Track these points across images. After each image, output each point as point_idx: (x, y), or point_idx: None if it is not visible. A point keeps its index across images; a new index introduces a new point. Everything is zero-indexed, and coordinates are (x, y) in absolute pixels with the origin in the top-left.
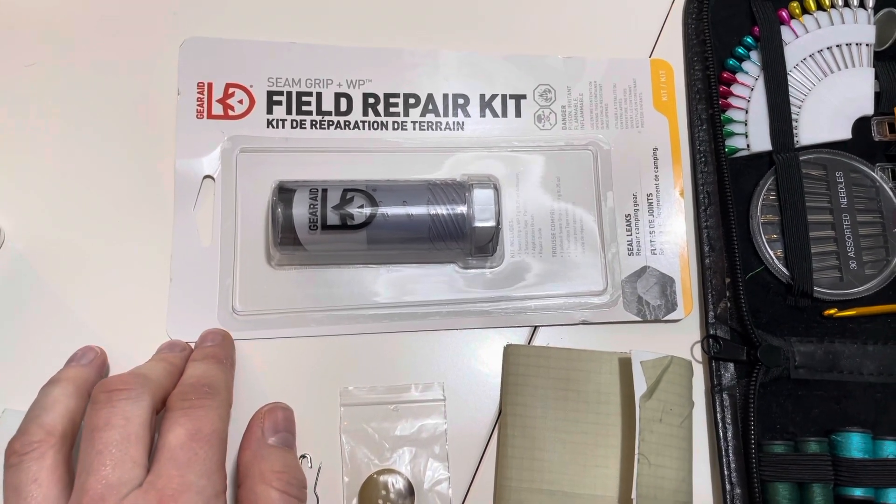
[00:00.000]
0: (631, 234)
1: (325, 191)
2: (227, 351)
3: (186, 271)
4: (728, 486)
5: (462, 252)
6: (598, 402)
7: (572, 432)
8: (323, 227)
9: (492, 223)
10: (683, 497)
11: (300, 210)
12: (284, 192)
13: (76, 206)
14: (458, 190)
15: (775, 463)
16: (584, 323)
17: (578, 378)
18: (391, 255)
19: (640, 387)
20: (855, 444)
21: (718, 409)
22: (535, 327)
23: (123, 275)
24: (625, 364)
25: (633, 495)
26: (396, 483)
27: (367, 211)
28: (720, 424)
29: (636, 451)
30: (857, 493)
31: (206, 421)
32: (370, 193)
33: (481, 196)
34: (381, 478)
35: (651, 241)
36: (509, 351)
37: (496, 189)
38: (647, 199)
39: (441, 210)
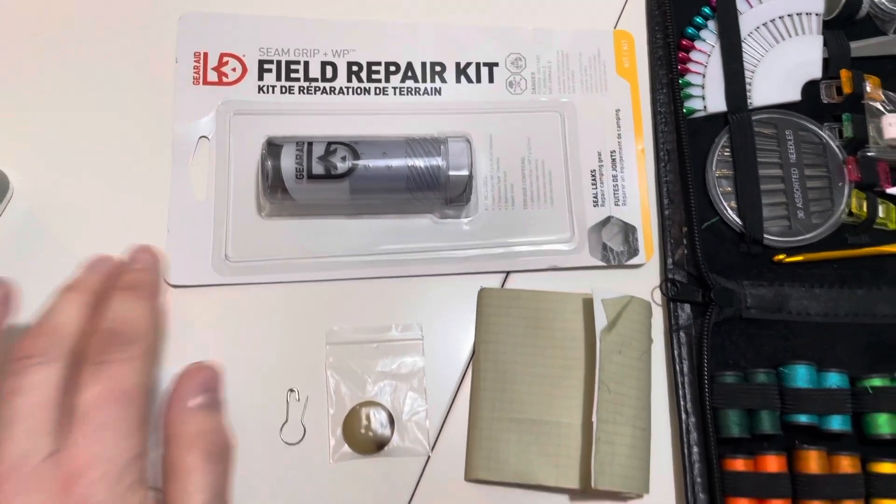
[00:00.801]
0: (596, 188)
1: (310, 144)
2: (154, 278)
3: (183, 223)
4: (684, 416)
5: (438, 202)
6: (564, 339)
7: (540, 366)
8: (309, 177)
9: (465, 172)
10: (642, 423)
11: (287, 161)
12: (273, 146)
13: (81, 164)
14: (433, 143)
15: (726, 392)
16: (553, 268)
17: (546, 318)
18: (373, 204)
19: (600, 322)
20: (800, 375)
21: (675, 346)
22: (507, 273)
23: (124, 226)
24: (588, 304)
25: (594, 419)
26: (378, 414)
27: (349, 162)
28: (677, 360)
29: (596, 379)
30: (802, 419)
31: (123, 377)
32: (352, 146)
33: (455, 148)
34: (364, 409)
35: (615, 194)
36: (483, 294)
37: (468, 142)
38: (611, 156)
39: (418, 162)
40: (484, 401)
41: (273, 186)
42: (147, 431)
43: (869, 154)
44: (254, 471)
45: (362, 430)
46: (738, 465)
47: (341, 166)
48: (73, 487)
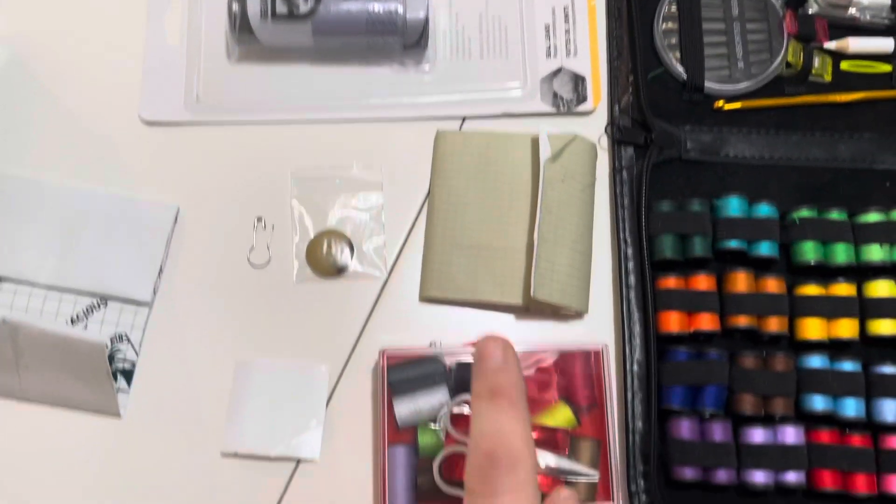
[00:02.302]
0: (549, 41)
1: None
2: (517, 378)
3: (157, 64)
4: (622, 245)
5: (398, 47)
6: (513, 174)
7: (489, 199)
8: (273, 16)
9: (422, 15)
10: (581, 247)
11: (253, 1)
12: None
13: (66, 14)
14: None
15: (662, 219)
16: (506, 114)
17: (497, 156)
18: (335, 50)
19: (544, 152)
20: (733, 206)
21: (618, 184)
22: (464, 118)
23: (103, 69)
24: (536, 142)
25: (535, 236)
26: (339, 241)
27: (311, 3)
28: (618, 196)
29: (539, 202)
30: (733, 244)
31: None
32: None
33: None
34: (326, 237)
35: (566, 46)
36: (439, 135)
37: None
38: (564, 11)
39: (377, 5)
40: (437, 229)
41: (240, 27)
42: None
43: (810, 12)
44: (221, 290)
45: (324, 255)
46: (671, 282)
47: (304, 7)
48: None
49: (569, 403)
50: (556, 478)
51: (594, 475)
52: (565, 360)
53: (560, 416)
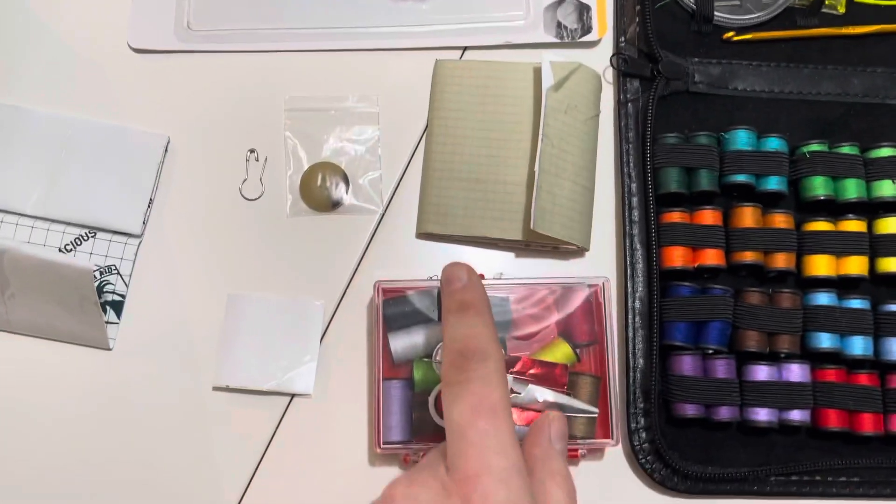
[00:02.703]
0: None
1: None
2: (481, 293)
3: None
4: (626, 179)
5: None
6: (514, 105)
7: (490, 130)
8: None
9: None
10: (583, 181)
11: None
12: None
13: None
14: None
15: (667, 151)
16: (508, 45)
17: (497, 85)
18: None
19: (547, 80)
20: (741, 139)
21: (623, 117)
22: (464, 48)
23: None
24: (538, 72)
25: (536, 168)
26: (333, 174)
27: None
28: (623, 130)
29: (541, 133)
30: (740, 178)
31: (485, 392)
32: None
33: None
34: (320, 170)
35: None
36: (438, 65)
37: None
38: None
39: None
40: (435, 163)
41: None
42: (518, 445)
43: None
44: (212, 223)
45: (318, 188)
46: (675, 217)
47: None
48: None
49: (568, 339)
50: None
51: (594, 412)
52: (565, 295)
53: (559, 353)
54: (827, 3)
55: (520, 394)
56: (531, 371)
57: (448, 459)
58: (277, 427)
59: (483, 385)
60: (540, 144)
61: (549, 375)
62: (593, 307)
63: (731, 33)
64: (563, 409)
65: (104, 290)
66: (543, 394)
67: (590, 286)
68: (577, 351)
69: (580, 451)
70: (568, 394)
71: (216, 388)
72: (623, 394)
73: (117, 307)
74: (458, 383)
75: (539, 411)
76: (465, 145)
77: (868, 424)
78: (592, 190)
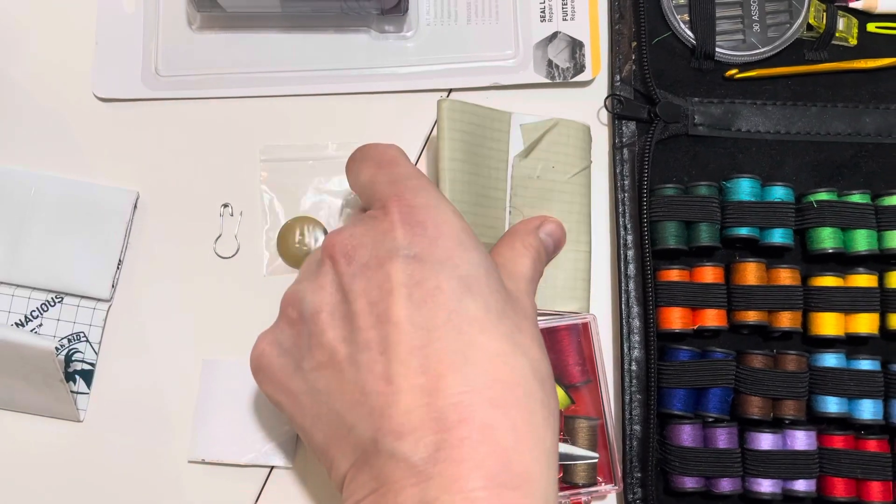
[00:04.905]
0: (543, 2)
1: None
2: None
3: (111, 35)
4: (622, 232)
5: (374, 13)
6: (491, 158)
7: (476, 185)
8: None
9: None
10: (574, 245)
11: None
12: None
13: None
14: None
15: (665, 204)
16: (496, 86)
17: (482, 134)
18: (306, 15)
19: (515, 146)
20: (744, 188)
21: (618, 164)
22: (449, 90)
23: (51, 40)
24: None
25: None
26: (312, 229)
27: None
28: (619, 177)
29: (507, 204)
30: (743, 231)
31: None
32: None
33: None
34: (299, 224)
35: (563, 8)
36: (444, 105)
37: None
38: None
39: None
40: None
41: None
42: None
43: None
44: (186, 283)
45: (297, 245)
46: (673, 275)
47: None
48: None
49: (560, 382)
50: None
51: (594, 457)
52: (552, 336)
53: None
54: (837, 34)
55: None
56: None
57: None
58: (257, 501)
59: (415, 184)
60: (507, 216)
61: None
62: (582, 346)
63: (734, 70)
64: (562, 458)
65: (73, 358)
66: None
67: (577, 324)
68: (570, 392)
69: (583, 498)
70: (565, 440)
71: (192, 462)
72: (620, 463)
73: (87, 376)
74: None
75: None
76: (463, 202)
77: (877, 493)
78: (589, 250)
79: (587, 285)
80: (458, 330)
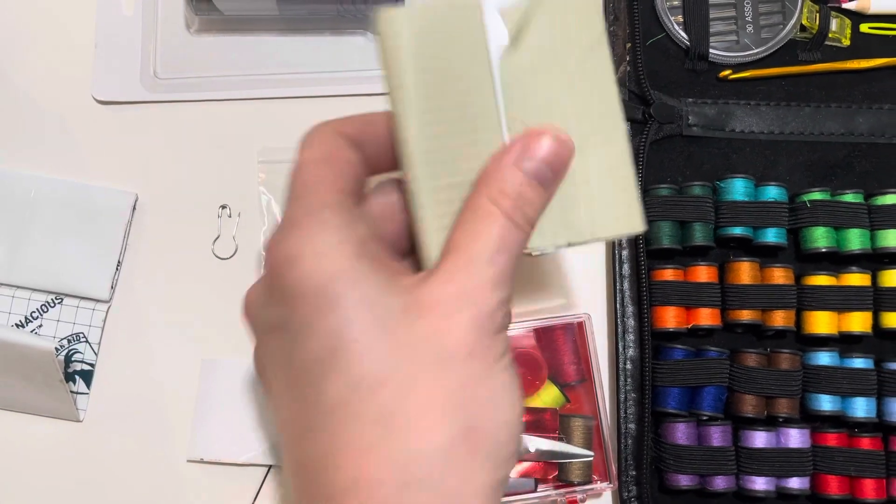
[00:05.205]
0: None
1: None
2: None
3: (110, 38)
4: None
5: (371, 15)
6: (466, 67)
7: (450, 110)
8: None
9: None
10: (606, 139)
11: None
12: None
13: None
14: None
15: (660, 204)
16: None
17: (448, 39)
18: (303, 18)
19: (497, 41)
20: (737, 188)
21: None
22: None
23: (51, 43)
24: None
25: None
26: None
27: None
28: None
29: (501, 120)
30: (736, 231)
31: None
32: None
33: None
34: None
35: None
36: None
37: None
38: None
39: None
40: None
41: None
42: None
43: None
44: (184, 284)
45: None
46: (667, 275)
47: None
48: None
49: (555, 381)
50: (549, 462)
51: (589, 455)
52: (547, 335)
53: (547, 396)
54: (830, 35)
55: None
56: None
57: None
58: (255, 499)
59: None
60: (507, 135)
61: (539, 422)
62: (577, 345)
63: (727, 71)
64: (558, 456)
65: (72, 359)
66: (535, 442)
67: (571, 323)
68: (565, 391)
69: (578, 496)
70: (561, 438)
71: (191, 461)
72: (615, 461)
73: (87, 377)
74: None
75: (533, 461)
76: (435, 137)
77: (870, 491)
78: (626, 144)
79: (634, 195)
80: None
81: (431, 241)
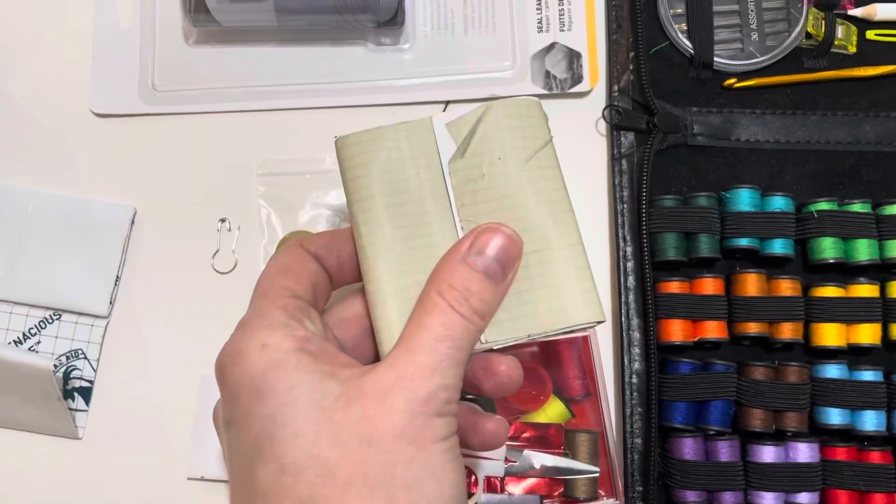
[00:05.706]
0: (541, 13)
1: None
2: None
3: (107, 50)
4: (621, 243)
5: (370, 25)
6: (419, 177)
7: (405, 216)
8: None
9: None
10: (564, 240)
11: None
12: None
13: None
14: None
15: (664, 215)
16: (493, 98)
17: (401, 155)
18: (302, 29)
19: (446, 150)
20: (743, 199)
21: (616, 175)
22: (447, 102)
23: (48, 55)
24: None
25: None
26: None
27: None
28: (617, 188)
29: (455, 223)
30: (743, 242)
31: None
32: None
33: None
34: (297, 238)
35: (560, 19)
36: (342, 143)
37: None
38: None
39: None
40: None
41: (195, 7)
42: None
43: None
44: (184, 299)
45: None
46: (673, 287)
47: None
48: None
49: (560, 396)
50: (554, 478)
51: (594, 471)
52: (551, 349)
53: (552, 411)
54: (836, 42)
55: (515, 462)
56: (525, 435)
57: None
58: None
59: None
60: (460, 234)
61: (544, 438)
62: (582, 359)
63: (732, 80)
64: (563, 472)
65: (71, 375)
66: (540, 458)
67: (576, 338)
68: (570, 406)
69: None
70: (566, 454)
71: (191, 479)
72: (621, 476)
73: (85, 393)
74: None
75: (539, 478)
76: (393, 240)
77: None
78: (580, 243)
79: (591, 286)
80: None
81: (384, 338)
